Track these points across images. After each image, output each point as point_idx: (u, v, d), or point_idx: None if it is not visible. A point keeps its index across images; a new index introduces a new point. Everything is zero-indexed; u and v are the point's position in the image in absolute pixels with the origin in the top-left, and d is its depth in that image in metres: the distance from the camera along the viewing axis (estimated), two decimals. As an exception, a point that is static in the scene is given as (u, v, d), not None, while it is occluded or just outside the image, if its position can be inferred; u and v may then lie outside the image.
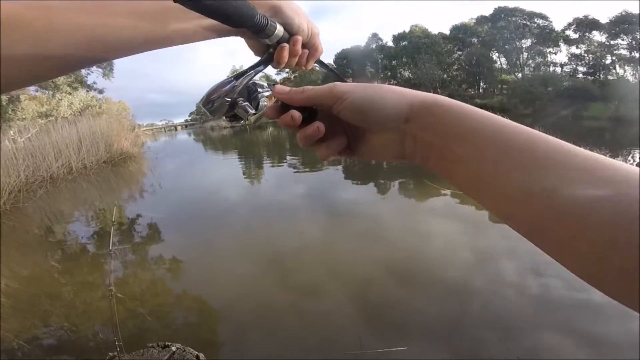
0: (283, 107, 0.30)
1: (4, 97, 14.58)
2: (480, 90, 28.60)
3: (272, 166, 8.96)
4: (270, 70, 0.41)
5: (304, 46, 0.37)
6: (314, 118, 0.30)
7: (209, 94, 0.30)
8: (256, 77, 0.34)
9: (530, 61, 26.91)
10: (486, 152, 0.22)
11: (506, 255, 2.77)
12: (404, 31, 29.48)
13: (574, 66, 25.75)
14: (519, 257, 2.67)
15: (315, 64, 0.41)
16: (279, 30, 0.33)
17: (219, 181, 7.40)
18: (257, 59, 0.37)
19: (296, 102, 0.30)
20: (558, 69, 26.35)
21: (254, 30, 0.30)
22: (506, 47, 26.59)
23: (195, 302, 2.49)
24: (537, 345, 1.74)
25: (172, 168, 10.51)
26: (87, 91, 18.18)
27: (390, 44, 30.87)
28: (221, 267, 3.06)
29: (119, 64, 17.42)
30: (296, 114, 0.29)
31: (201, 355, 1.14)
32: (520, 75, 26.85)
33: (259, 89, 0.34)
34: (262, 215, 4.60)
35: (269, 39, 0.33)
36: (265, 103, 0.34)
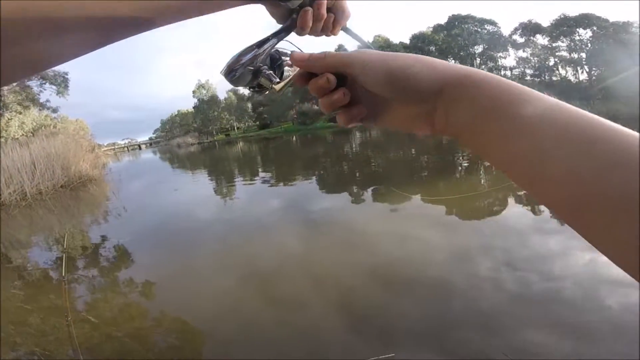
0: (308, 73, 0.29)
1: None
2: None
3: (245, 183, 8.67)
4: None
5: (329, 10, 0.34)
6: (341, 83, 0.29)
7: (230, 64, 0.29)
8: (280, 45, 0.32)
9: (483, 66, 28.90)
10: (527, 129, 0.21)
11: (480, 250, 2.86)
12: (368, 41, 30.71)
13: (522, 69, 27.94)
14: (493, 252, 2.77)
15: (342, 30, 0.38)
16: None
17: (189, 201, 7.07)
18: (279, 26, 0.34)
19: (317, 69, 0.29)
20: (508, 72, 28.43)
21: None
22: (461, 53, 28.42)
23: (175, 323, 2.34)
24: (520, 341, 1.76)
25: (138, 190, 10.01)
26: (40, 110, 16.92)
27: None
28: (199, 286, 2.91)
29: (74, 79, 16.43)
30: (332, 77, 0.28)
31: None
32: (473, 80, 28.94)
33: (283, 57, 0.33)
34: (238, 232, 4.45)
35: (290, 3, 0.32)
36: (290, 73, 0.33)
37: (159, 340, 2.15)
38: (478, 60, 29.32)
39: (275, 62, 0.32)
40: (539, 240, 2.94)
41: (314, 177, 7.88)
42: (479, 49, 28.78)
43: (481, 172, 6.05)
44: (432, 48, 29.55)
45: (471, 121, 0.24)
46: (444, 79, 0.25)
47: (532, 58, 27.37)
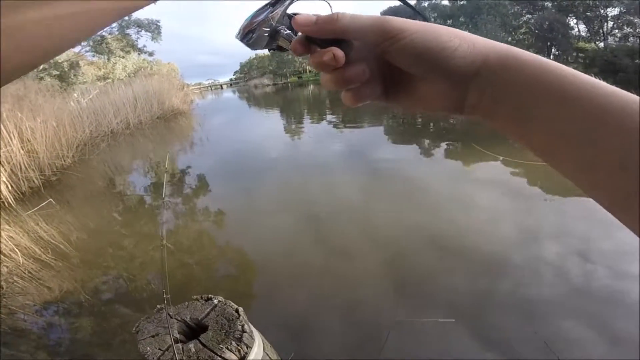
0: (310, 40, 0.26)
1: (66, 64, 15.85)
2: (551, 57, 24.81)
3: (312, 123, 8.86)
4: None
5: None
6: (348, 52, 0.25)
7: (244, 27, 0.27)
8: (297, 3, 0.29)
9: (617, 31, 22.44)
10: (572, 114, 0.20)
11: (554, 234, 2.42)
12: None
13: (674, 40, 20.86)
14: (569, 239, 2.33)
15: None
16: None
17: (261, 136, 7.52)
18: None
19: (328, 34, 0.25)
20: None
21: None
22: (587, 14, 22.20)
23: (236, 254, 2.58)
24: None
25: (219, 123, 10.91)
26: (139, 54, 19.14)
27: (446, 2, 27.64)
28: (261, 220, 3.13)
29: (165, 28, 17.93)
30: (339, 54, 0.24)
31: (240, 309, 1.13)
32: (602, 44, 22.85)
33: None
34: (302, 172, 4.59)
35: None
36: None
37: (220, 268, 2.42)
38: (610, 23, 22.77)
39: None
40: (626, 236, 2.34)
41: (381, 125, 7.49)
42: (613, 11, 22.08)
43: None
44: (548, 4, 23.71)
45: (510, 103, 0.22)
46: (484, 58, 0.23)
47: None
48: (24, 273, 2.52)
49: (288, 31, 0.28)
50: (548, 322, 1.59)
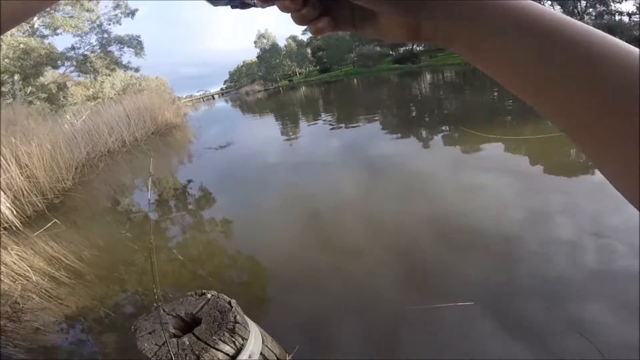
0: None
1: (53, 86, 15.80)
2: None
3: (308, 125, 8.91)
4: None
5: None
6: None
7: None
8: None
9: (591, 9, 22.74)
10: (527, 34, 0.20)
11: (559, 212, 2.46)
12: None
13: (646, 16, 21.19)
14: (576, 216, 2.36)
15: None
16: None
17: (258, 142, 7.54)
18: None
19: None
20: (625, 18, 22.02)
21: None
22: None
23: (247, 262, 2.60)
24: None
25: (214, 134, 10.90)
26: (125, 71, 19.11)
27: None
28: (267, 225, 3.15)
29: (147, 42, 18.04)
30: None
31: (233, 301, 1.16)
32: (578, 23, 23.03)
33: None
34: (303, 173, 4.61)
35: None
36: None
37: (233, 276, 2.44)
38: (584, 2, 23.09)
39: None
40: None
41: (377, 119, 7.54)
42: None
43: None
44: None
45: (466, 30, 0.22)
46: None
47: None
48: (41, 291, 2.54)
49: None
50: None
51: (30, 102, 14.04)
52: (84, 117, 9.53)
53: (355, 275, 2.12)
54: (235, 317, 1.13)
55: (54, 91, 16.08)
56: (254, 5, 0.27)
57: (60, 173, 5.78)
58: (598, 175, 2.99)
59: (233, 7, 0.28)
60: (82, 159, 7.30)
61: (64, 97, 16.67)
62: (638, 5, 21.59)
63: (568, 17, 0.20)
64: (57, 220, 4.00)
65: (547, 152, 3.67)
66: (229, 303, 1.18)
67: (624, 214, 2.16)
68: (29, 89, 14.90)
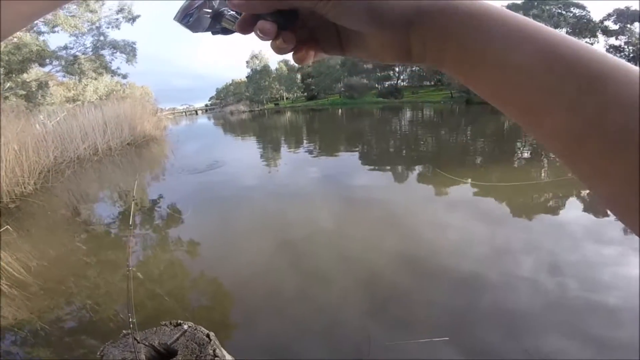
0: (258, 17, 0.25)
1: (34, 83, 15.21)
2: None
3: (289, 151, 8.99)
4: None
5: None
6: (294, 19, 0.25)
7: (184, 8, 0.26)
8: None
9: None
10: (515, 55, 0.19)
11: (522, 250, 2.64)
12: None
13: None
14: (537, 253, 2.53)
15: None
16: None
17: (237, 164, 7.48)
18: None
19: (262, 10, 0.24)
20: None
21: None
22: None
23: (210, 285, 2.52)
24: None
25: (192, 151, 10.72)
26: (112, 76, 18.69)
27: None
28: (236, 250, 3.09)
29: (141, 50, 17.75)
30: (268, 26, 0.24)
31: (211, 333, 1.12)
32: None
33: None
34: (279, 199, 4.60)
35: None
36: None
37: (193, 299, 2.35)
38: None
39: None
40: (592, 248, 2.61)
41: (357, 152, 7.75)
42: (561, 31, 25.26)
43: (544, 164, 5.44)
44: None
45: (453, 51, 0.22)
46: (416, 6, 0.22)
47: (626, 47, 23.41)
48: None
49: (232, 12, 0.27)
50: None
51: (6, 98, 13.35)
52: (58, 118, 9.17)
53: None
54: (214, 351, 1.09)
55: (34, 89, 15.42)
56: (235, 30, 0.27)
57: (22, 176, 5.48)
58: (557, 216, 3.22)
59: (214, 33, 0.28)
60: (48, 163, 6.95)
61: (42, 95, 16.00)
62: (608, 47, 24.01)
63: (563, 34, 0.20)
64: (8, 227, 3.74)
65: (512, 196, 3.89)
66: (207, 336, 1.14)
67: (580, 251, 2.38)
68: (8, 84, 14.25)
